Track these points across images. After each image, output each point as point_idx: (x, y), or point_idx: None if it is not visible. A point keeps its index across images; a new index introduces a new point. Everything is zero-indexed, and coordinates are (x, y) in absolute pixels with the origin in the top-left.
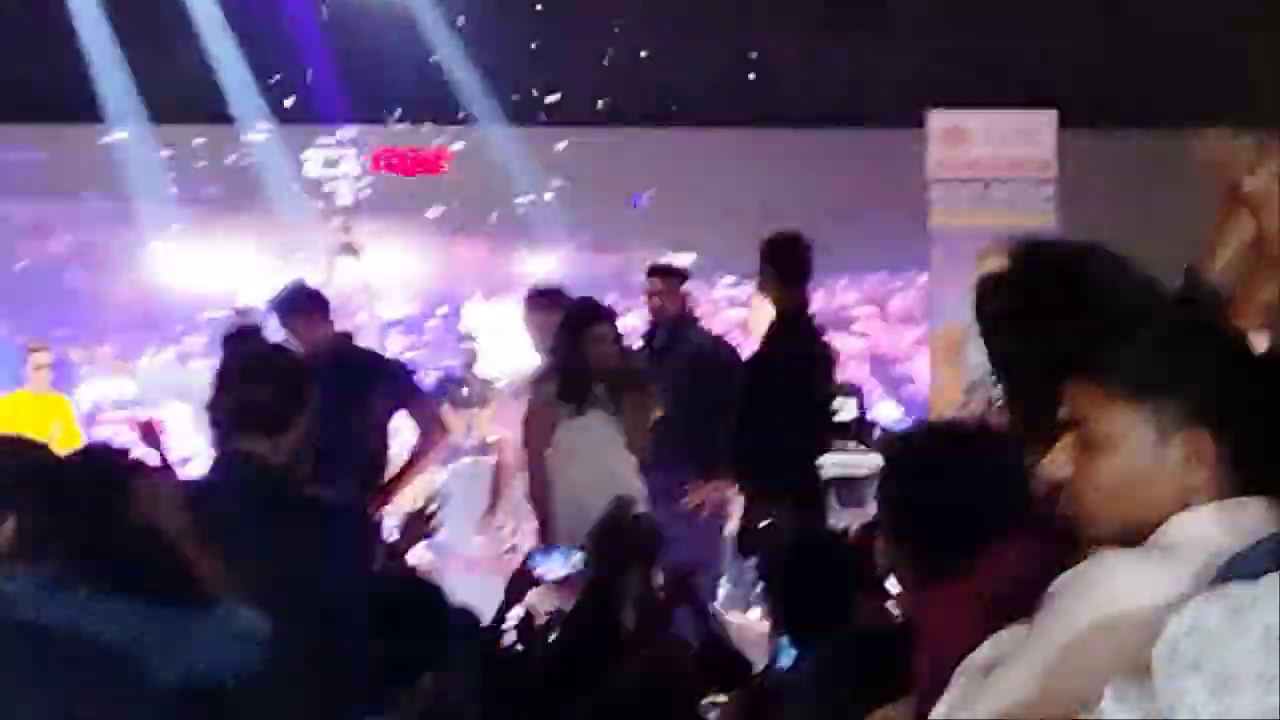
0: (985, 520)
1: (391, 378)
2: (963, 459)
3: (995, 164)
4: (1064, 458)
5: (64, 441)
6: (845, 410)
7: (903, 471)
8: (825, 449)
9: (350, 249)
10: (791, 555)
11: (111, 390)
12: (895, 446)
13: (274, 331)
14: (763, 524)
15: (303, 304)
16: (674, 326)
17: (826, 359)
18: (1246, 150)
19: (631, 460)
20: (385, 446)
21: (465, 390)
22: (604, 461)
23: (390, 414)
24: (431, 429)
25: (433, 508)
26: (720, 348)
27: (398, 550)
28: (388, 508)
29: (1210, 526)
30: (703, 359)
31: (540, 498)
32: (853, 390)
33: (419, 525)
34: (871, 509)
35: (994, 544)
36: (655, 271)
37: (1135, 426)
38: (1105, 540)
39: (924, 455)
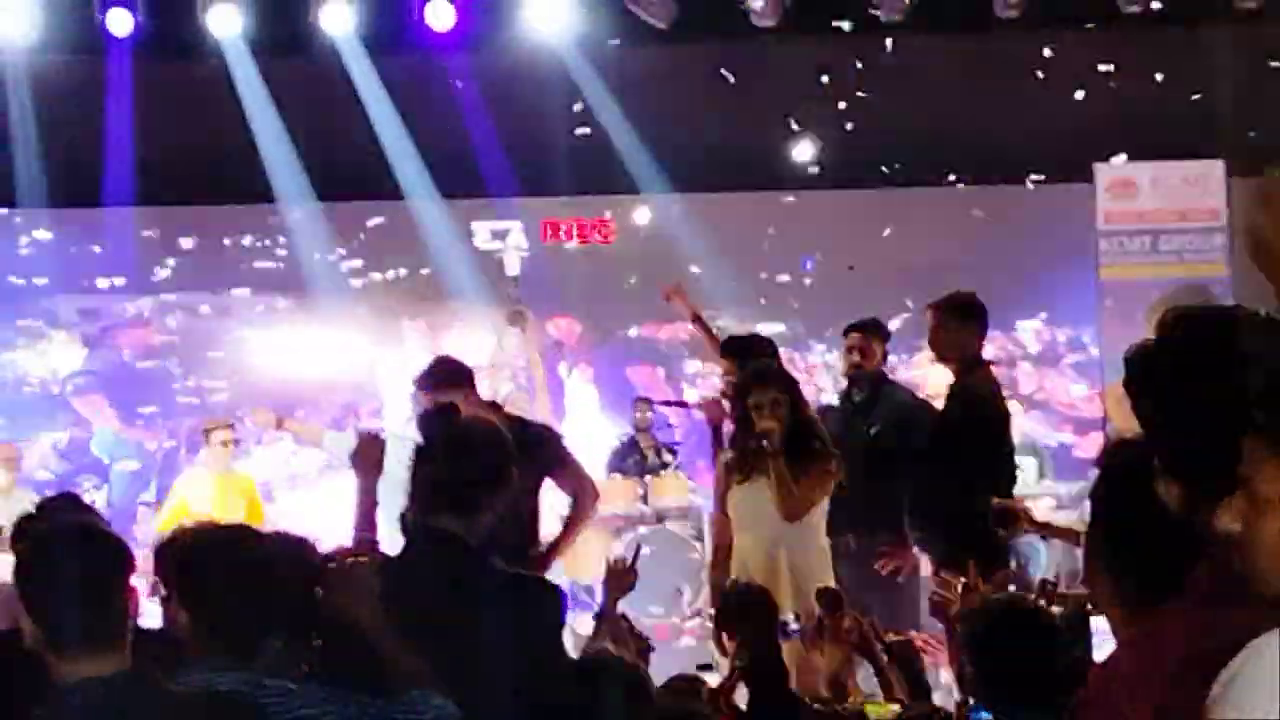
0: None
1: (538, 445)
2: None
3: (1164, 214)
4: (1233, 515)
5: (249, 519)
6: (1026, 472)
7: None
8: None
9: (520, 317)
10: (993, 622)
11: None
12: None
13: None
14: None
15: (447, 378)
16: (872, 384)
17: (1007, 417)
18: None
19: (793, 527)
20: (537, 516)
21: (637, 458)
22: (762, 529)
23: (539, 482)
24: (582, 495)
25: (631, 558)
26: (920, 407)
27: (605, 610)
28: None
29: None
30: (902, 419)
31: (714, 564)
32: (1033, 450)
33: (622, 579)
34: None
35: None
36: (853, 329)
37: None
38: (1274, 601)
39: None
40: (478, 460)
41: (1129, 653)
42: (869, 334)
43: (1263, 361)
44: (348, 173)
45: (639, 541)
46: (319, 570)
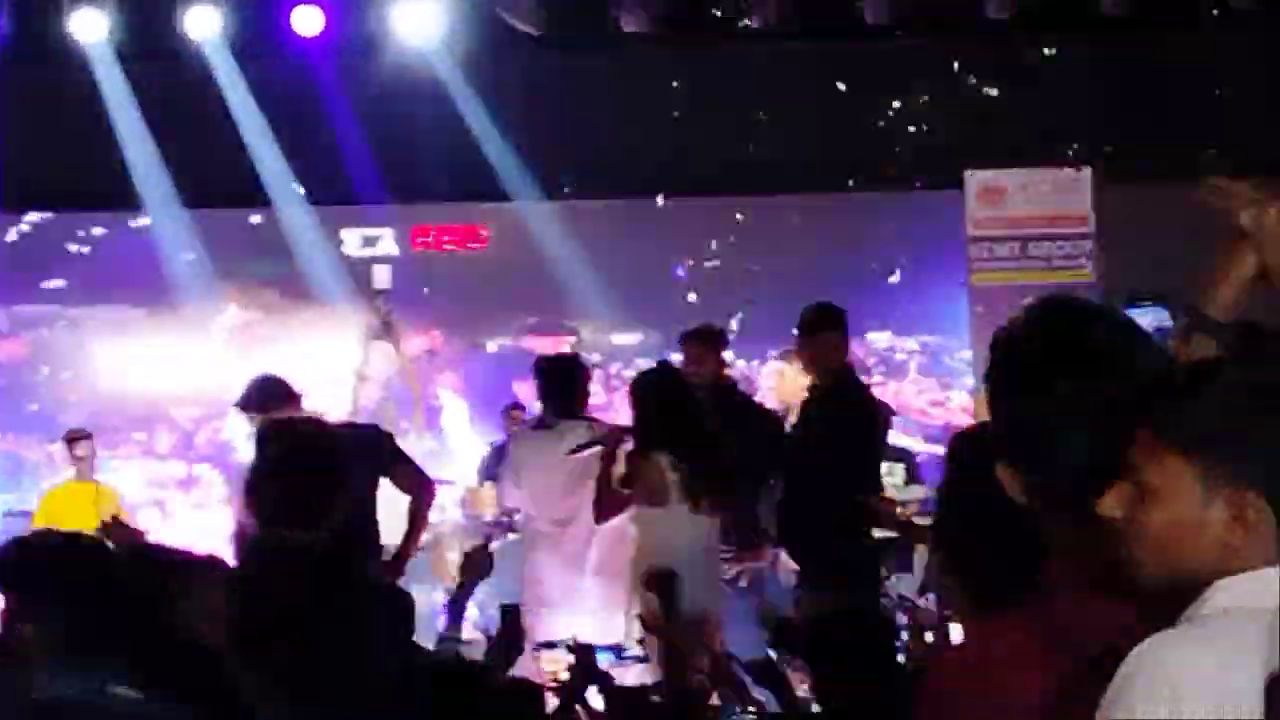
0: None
1: (372, 446)
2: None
3: (1033, 221)
4: (1116, 503)
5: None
6: (895, 476)
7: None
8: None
9: (388, 329)
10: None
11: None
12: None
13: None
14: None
15: (270, 397)
16: (713, 391)
17: (873, 424)
18: (1246, 188)
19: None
20: (376, 520)
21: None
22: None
23: (376, 483)
24: (419, 491)
25: (485, 546)
26: (762, 414)
27: (457, 598)
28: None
29: (1255, 596)
30: (745, 425)
31: None
32: (901, 455)
33: (476, 564)
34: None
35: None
36: (686, 338)
37: (1182, 481)
38: (1150, 589)
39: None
40: (315, 470)
41: (986, 644)
42: (701, 342)
43: (1131, 355)
44: (215, 179)
45: (498, 537)
46: (165, 582)
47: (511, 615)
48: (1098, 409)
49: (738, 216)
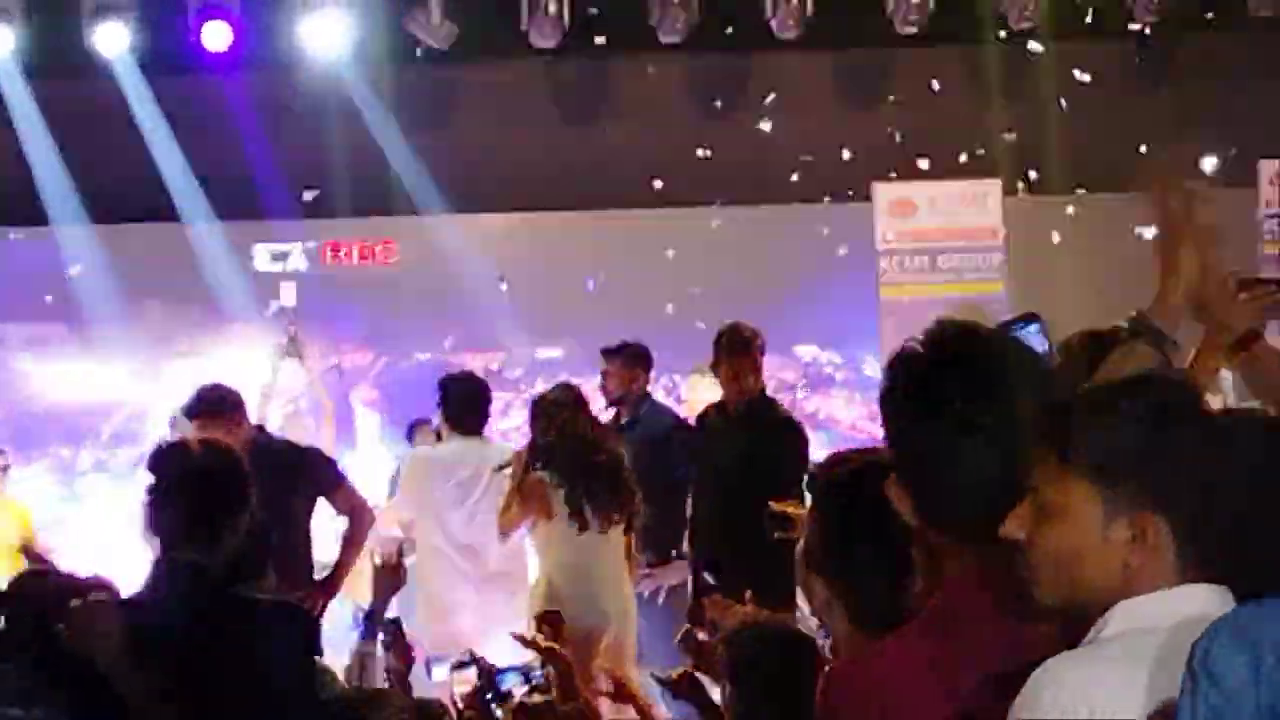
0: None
1: (311, 468)
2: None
3: (942, 234)
4: (1018, 523)
5: (21, 547)
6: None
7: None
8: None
9: (295, 346)
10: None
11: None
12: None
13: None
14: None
15: (212, 406)
16: (633, 407)
17: (796, 441)
18: (1184, 191)
19: None
20: (310, 539)
21: None
22: None
23: (313, 505)
24: (357, 516)
25: (397, 556)
26: (680, 427)
27: (375, 610)
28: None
29: (1154, 618)
30: (658, 440)
31: None
32: None
33: (392, 576)
34: None
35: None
36: (605, 354)
37: (1084, 501)
38: (1053, 609)
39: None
40: (212, 489)
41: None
42: (621, 359)
43: (1022, 377)
44: (124, 195)
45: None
46: (60, 604)
47: (396, 629)
48: (990, 432)
49: (649, 230)
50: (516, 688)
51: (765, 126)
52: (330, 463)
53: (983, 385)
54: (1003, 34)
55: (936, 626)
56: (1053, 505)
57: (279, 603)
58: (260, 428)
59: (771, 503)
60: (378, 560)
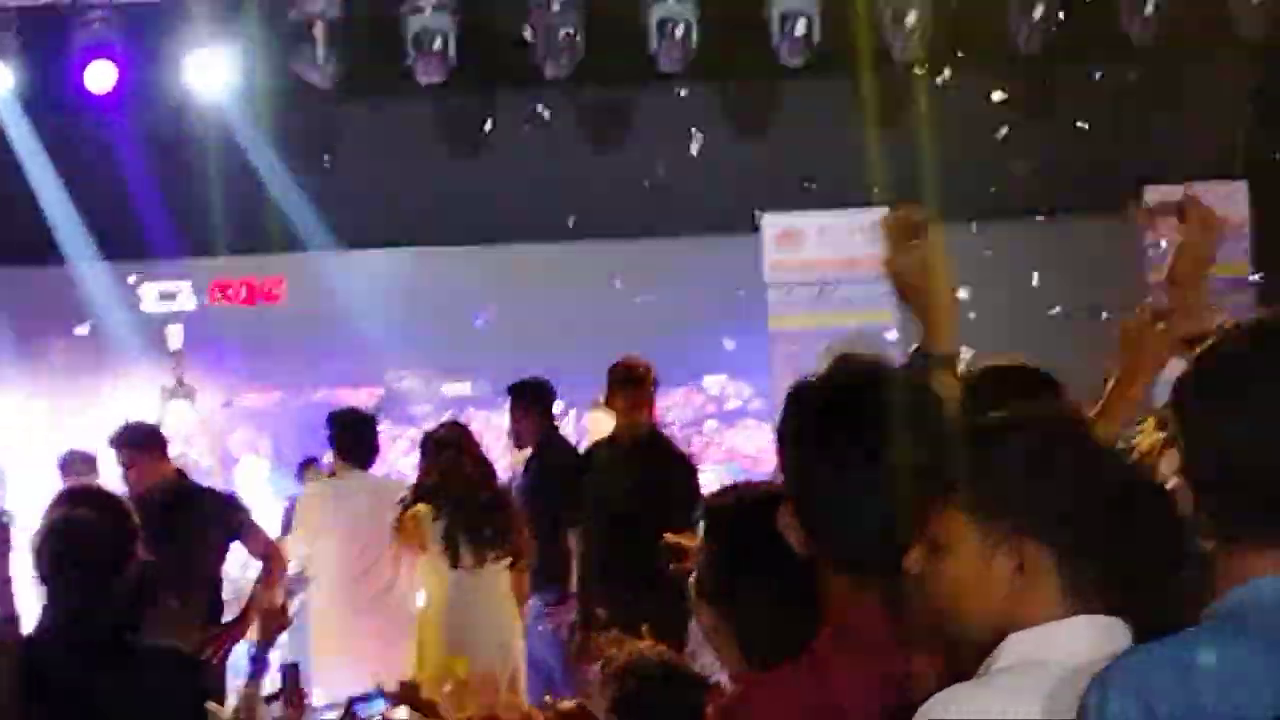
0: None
1: (226, 512)
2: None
3: (832, 264)
4: (915, 559)
5: None
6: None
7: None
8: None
9: (183, 388)
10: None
11: None
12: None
13: (110, 468)
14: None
15: (145, 440)
16: (535, 444)
17: (686, 475)
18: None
19: None
20: (220, 582)
21: None
22: None
23: (225, 548)
24: (271, 559)
25: (283, 601)
26: (573, 465)
27: (260, 651)
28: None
29: (1043, 650)
30: (553, 475)
31: None
32: None
33: (277, 619)
34: None
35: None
36: (508, 392)
37: (965, 534)
38: (948, 639)
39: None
40: (103, 536)
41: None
42: (516, 398)
43: (918, 416)
44: (7, 236)
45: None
46: None
47: (292, 673)
48: (879, 467)
49: (538, 265)
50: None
51: (695, 149)
52: (245, 508)
53: (875, 421)
54: (889, 64)
55: (819, 662)
56: (939, 540)
57: (168, 649)
58: (180, 470)
59: (667, 534)
60: (265, 604)
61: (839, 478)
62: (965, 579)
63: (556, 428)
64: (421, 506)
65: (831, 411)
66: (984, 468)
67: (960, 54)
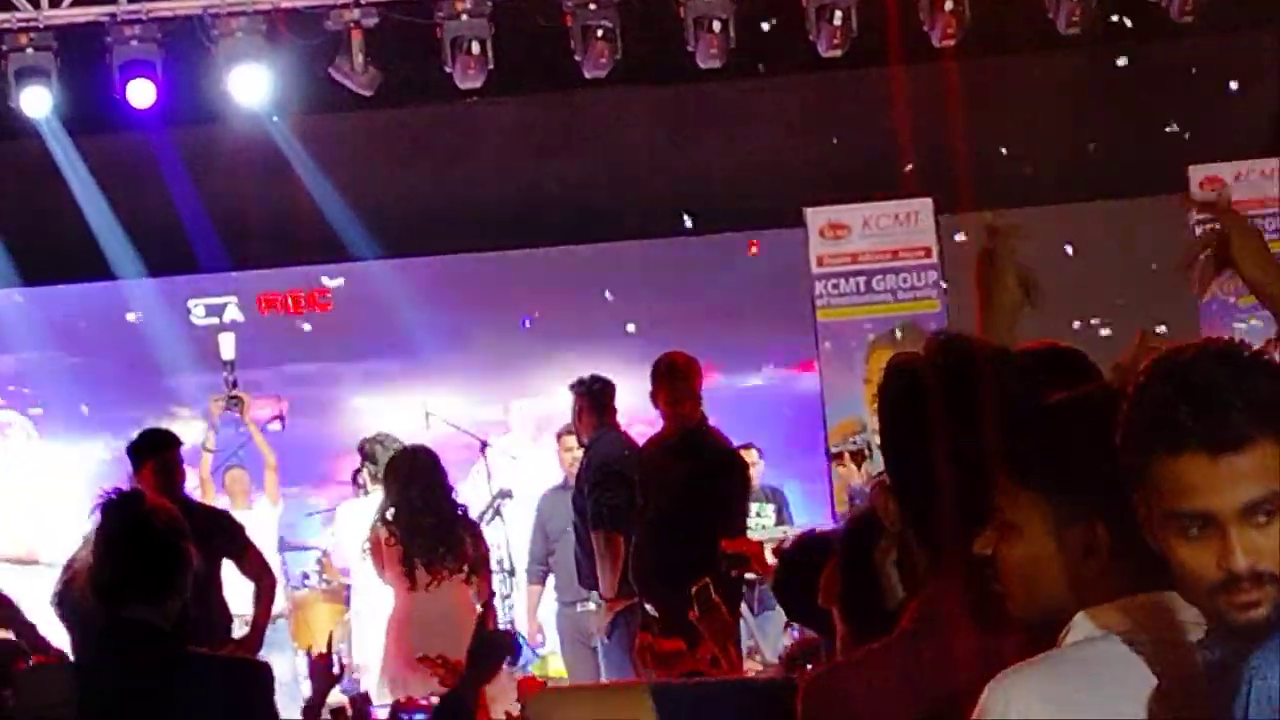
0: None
1: (225, 532)
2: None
3: (876, 255)
4: (984, 541)
5: None
6: (765, 516)
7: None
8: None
9: (237, 402)
10: None
11: None
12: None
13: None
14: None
15: (169, 447)
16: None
17: (735, 470)
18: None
19: None
20: (225, 601)
21: None
22: None
23: (219, 565)
24: (262, 578)
25: (337, 654)
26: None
27: (312, 701)
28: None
29: (1109, 626)
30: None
31: None
32: (773, 495)
33: (328, 673)
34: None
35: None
36: (571, 388)
37: (1036, 517)
38: (1026, 621)
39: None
40: (162, 545)
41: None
42: (575, 396)
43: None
44: (56, 255)
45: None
46: (8, 672)
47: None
48: (971, 446)
49: (584, 265)
50: None
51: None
52: (241, 527)
53: (961, 401)
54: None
55: (912, 637)
56: (1010, 523)
57: (238, 660)
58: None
59: (725, 541)
60: (312, 654)
61: (927, 454)
62: (1036, 560)
63: (612, 426)
64: (382, 530)
65: (923, 387)
66: (1055, 448)
67: (998, 39)
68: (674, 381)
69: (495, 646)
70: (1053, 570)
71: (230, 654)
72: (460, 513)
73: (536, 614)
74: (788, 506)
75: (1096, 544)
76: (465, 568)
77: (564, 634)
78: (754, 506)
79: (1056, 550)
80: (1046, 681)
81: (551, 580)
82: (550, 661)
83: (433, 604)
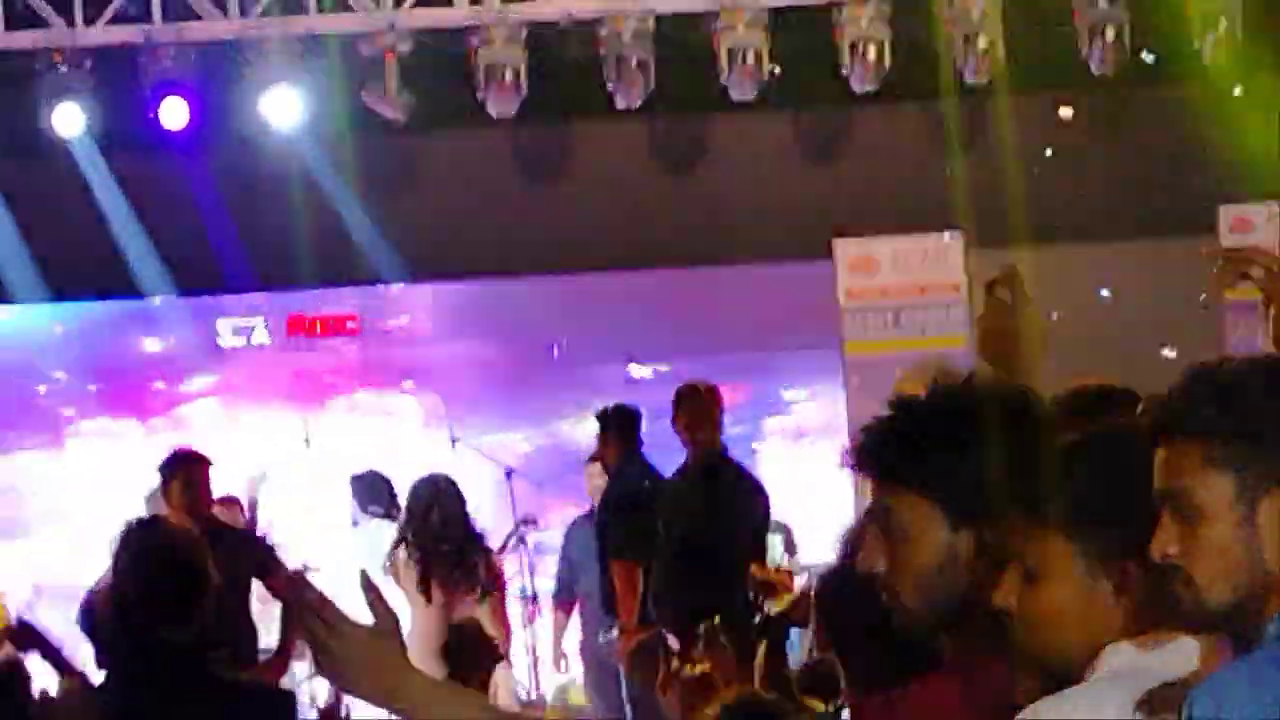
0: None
1: (255, 551)
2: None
3: (905, 289)
4: (1006, 591)
5: None
6: (773, 549)
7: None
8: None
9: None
10: None
11: None
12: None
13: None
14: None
15: (199, 465)
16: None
17: (756, 498)
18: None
19: None
20: (253, 621)
21: None
22: None
23: (250, 585)
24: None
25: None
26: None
27: None
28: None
29: (1142, 658)
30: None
31: None
32: (778, 527)
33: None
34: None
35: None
36: (597, 418)
37: (1065, 559)
38: (1052, 668)
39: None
40: (181, 566)
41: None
42: (601, 425)
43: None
44: (86, 274)
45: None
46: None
47: None
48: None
49: (613, 294)
50: None
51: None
52: (271, 547)
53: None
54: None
55: (973, 671)
56: (1035, 568)
57: (262, 686)
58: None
59: (754, 569)
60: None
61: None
62: (1067, 606)
63: (637, 454)
64: (401, 552)
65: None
66: (1079, 488)
67: (1031, 77)
68: (690, 405)
69: (475, 649)
70: (1084, 614)
71: (253, 679)
72: (477, 538)
73: (561, 641)
74: (792, 536)
75: (1128, 581)
76: (478, 589)
77: (588, 663)
78: None
79: (1087, 592)
80: (1075, 709)
81: (577, 608)
82: (571, 693)
83: (443, 621)
